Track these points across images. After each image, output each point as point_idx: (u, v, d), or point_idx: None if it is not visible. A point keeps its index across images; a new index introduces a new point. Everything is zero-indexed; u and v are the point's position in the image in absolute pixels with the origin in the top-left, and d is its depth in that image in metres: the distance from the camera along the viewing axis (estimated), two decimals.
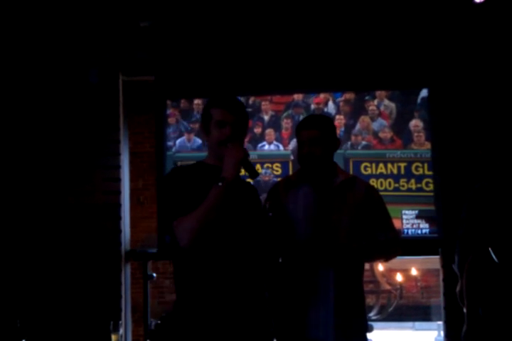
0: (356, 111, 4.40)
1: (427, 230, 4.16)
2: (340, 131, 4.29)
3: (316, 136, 2.55)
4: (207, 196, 2.16)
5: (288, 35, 4.22)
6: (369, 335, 2.71)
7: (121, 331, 3.91)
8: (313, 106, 4.44)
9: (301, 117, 4.21)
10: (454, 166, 4.06)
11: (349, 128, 4.38)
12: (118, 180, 4.29)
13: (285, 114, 4.44)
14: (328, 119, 2.77)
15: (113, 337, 3.38)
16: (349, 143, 4.34)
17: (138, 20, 4.18)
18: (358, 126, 4.37)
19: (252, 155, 4.40)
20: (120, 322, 3.94)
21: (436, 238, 4.13)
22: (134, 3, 4.21)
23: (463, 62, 4.10)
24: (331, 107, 4.42)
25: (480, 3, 3.89)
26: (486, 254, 2.73)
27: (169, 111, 4.39)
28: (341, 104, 4.41)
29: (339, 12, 4.16)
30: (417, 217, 4.16)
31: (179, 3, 4.21)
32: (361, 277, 2.67)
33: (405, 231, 4.16)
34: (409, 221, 4.17)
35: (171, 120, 4.41)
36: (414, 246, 4.06)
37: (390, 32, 4.17)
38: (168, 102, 4.39)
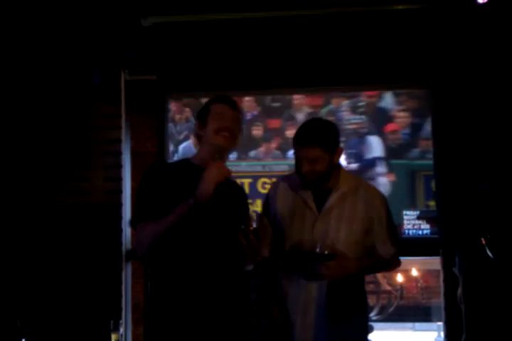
0: (426, 107, 3.55)
1: (428, 231, 4.16)
2: (402, 133, 3.57)
3: (317, 155, 2.31)
4: (174, 210, 2.06)
5: (290, 33, 4.21)
6: (369, 336, 2.70)
7: (122, 330, 3.92)
8: (363, 101, 3.67)
9: (344, 114, 3.61)
10: (456, 167, 4.06)
11: (416, 129, 3.66)
12: (119, 179, 4.29)
13: (325, 110, 3.78)
14: (330, 127, 2.43)
15: (113, 336, 3.38)
16: (416, 150, 3.65)
17: (140, 20, 4.19)
18: (428, 127, 3.58)
19: (282, 166, 3.80)
20: (120, 321, 3.95)
21: (437, 239, 4.12)
22: (136, 2, 4.22)
23: (466, 63, 4.09)
24: (387, 101, 3.70)
25: (483, 4, 3.88)
26: (484, 259, 2.70)
27: (173, 107, 4.18)
28: (404, 97, 3.56)
29: (343, 12, 4.16)
30: (418, 217, 4.15)
31: (182, 2, 4.21)
32: (362, 279, 2.57)
33: (406, 231, 4.15)
34: (410, 221, 4.15)
35: (179, 118, 4.10)
36: (415, 246, 4.05)
37: (394, 32, 4.16)
38: (172, 100, 4.29)
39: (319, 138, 2.33)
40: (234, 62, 4.29)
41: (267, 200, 2.55)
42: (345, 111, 3.73)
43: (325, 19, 4.18)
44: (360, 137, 3.97)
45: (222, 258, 2.17)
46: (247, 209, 2.37)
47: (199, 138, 2.29)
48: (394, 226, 2.55)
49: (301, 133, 2.39)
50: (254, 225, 2.18)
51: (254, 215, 2.28)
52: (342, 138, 3.74)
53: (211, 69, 4.28)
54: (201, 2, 4.22)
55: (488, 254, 2.64)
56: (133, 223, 2.19)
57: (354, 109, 3.70)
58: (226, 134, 2.19)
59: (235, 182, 2.41)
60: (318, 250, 2.31)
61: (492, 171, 2.97)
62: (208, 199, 2.06)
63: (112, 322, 3.31)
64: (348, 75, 4.20)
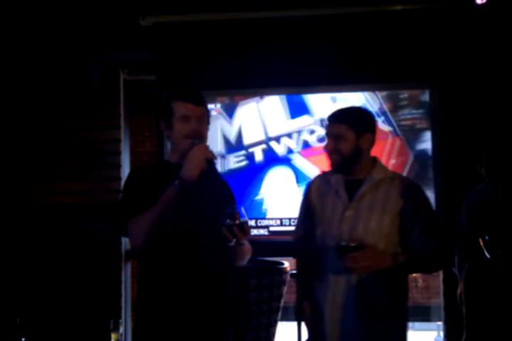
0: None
1: None
2: None
3: (341, 132, 2.37)
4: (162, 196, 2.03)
5: (291, 33, 4.21)
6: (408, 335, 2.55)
7: (121, 330, 3.92)
8: (404, 93, 3.79)
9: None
10: (456, 166, 4.06)
11: None
12: (118, 179, 4.29)
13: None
14: (361, 110, 2.53)
15: (113, 335, 3.39)
16: None
17: (139, 20, 4.18)
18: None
19: None
20: (120, 321, 3.95)
21: None
22: (135, 2, 4.21)
23: (465, 63, 4.09)
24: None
25: (482, 5, 3.89)
26: (484, 258, 2.69)
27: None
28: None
29: (344, 12, 4.15)
30: None
31: (181, 2, 4.21)
32: (400, 276, 2.42)
33: None
34: None
35: None
36: None
37: (392, 33, 4.16)
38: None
39: (345, 115, 2.42)
40: (233, 61, 4.28)
41: (304, 196, 2.58)
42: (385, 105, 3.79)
43: (327, 19, 4.18)
44: (417, 133, 4.08)
45: (211, 254, 2.15)
46: (234, 203, 2.33)
47: (168, 137, 2.25)
48: (436, 222, 2.42)
49: (332, 112, 2.48)
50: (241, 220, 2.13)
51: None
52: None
53: (210, 69, 4.28)
54: (200, 2, 4.22)
55: (485, 255, 2.63)
56: (121, 226, 2.12)
57: (395, 103, 3.76)
58: (195, 145, 2.11)
59: (223, 179, 2.37)
60: (344, 242, 2.24)
61: (492, 171, 2.96)
62: (193, 181, 2.01)
63: (111, 321, 3.32)
64: (349, 75, 4.19)
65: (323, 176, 2.57)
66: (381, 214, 2.35)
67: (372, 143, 2.45)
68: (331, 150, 2.40)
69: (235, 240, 2.12)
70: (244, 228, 2.11)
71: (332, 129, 2.41)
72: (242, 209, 2.14)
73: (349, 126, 2.38)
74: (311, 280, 2.49)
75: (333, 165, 2.44)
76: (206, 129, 2.22)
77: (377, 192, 2.39)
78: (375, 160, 2.48)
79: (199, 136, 2.15)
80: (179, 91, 2.28)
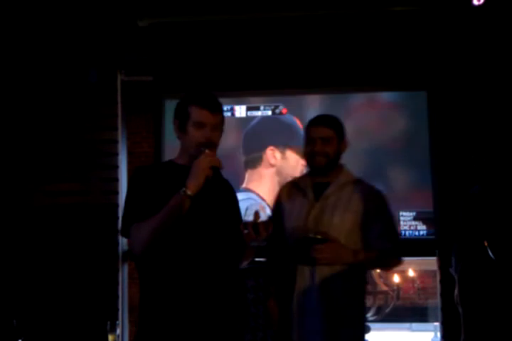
0: None
1: (425, 232, 4.17)
2: None
3: (331, 135, 2.53)
4: (167, 203, 2.04)
5: (287, 34, 4.22)
6: (366, 336, 2.69)
7: (118, 331, 3.91)
8: None
9: None
10: (452, 168, 4.07)
11: None
12: (116, 180, 4.29)
13: None
14: (339, 119, 2.67)
15: (110, 337, 3.38)
16: None
17: (136, 21, 4.18)
18: None
19: None
20: (117, 322, 3.94)
21: (434, 239, 4.13)
22: (133, 3, 4.21)
23: (462, 65, 4.10)
24: None
25: (479, 6, 3.90)
26: (480, 260, 2.71)
27: None
28: None
29: (338, 13, 4.16)
30: (415, 218, 4.16)
31: (178, 2, 4.22)
32: (357, 277, 2.55)
33: (403, 232, 4.16)
34: (406, 222, 4.17)
35: None
36: (412, 247, 4.06)
37: (390, 33, 4.17)
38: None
39: (331, 121, 2.60)
40: (230, 62, 4.29)
41: (275, 200, 2.72)
42: None
43: (323, 21, 4.19)
44: None
45: (217, 257, 2.14)
46: (238, 210, 2.33)
47: (178, 138, 2.23)
48: (392, 225, 2.63)
49: (316, 117, 2.64)
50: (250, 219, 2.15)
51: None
52: None
53: (208, 70, 4.28)
54: (198, 3, 4.22)
55: (488, 255, 2.64)
56: (125, 228, 2.12)
57: None
58: (204, 152, 2.10)
59: (226, 181, 2.34)
60: (311, 234, 2.42)
61: (487, 173, 2.97)
62: (198, 190, 2.03)
63: (108, 323, 3.31)
64: (343, 76, 4.21)
65: (292, 181, 2.72)
66: (343, 212, 2.51)
67: (345, 149, 2.62)
68: (319, 153, 2.53)
69: (257, 238, 2.13)
70: (268, 226, 2.13)
71: (321, 132, 2.54)
72: (262, 207, 2.18)
73: (335, 131, 2.56)
74: (277, 278, 2.60)
75: (316, 167, 2.58)
76: (219, 137, 2.19)
77: (342, 193, 2.54)
78: (341, 166, 2.64)
79: (212, 144, 2.14)
80: (197, 95, 2.20)
